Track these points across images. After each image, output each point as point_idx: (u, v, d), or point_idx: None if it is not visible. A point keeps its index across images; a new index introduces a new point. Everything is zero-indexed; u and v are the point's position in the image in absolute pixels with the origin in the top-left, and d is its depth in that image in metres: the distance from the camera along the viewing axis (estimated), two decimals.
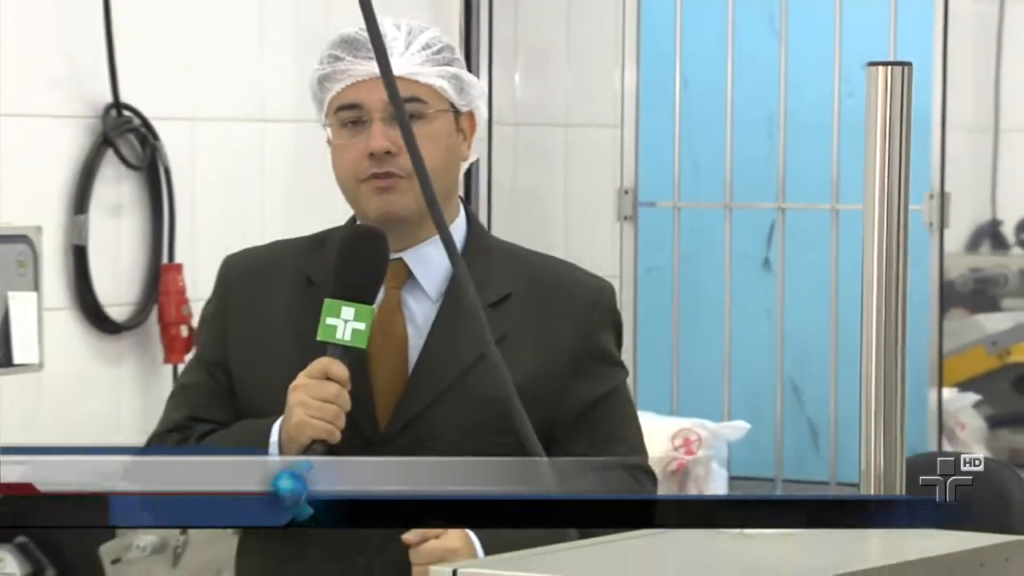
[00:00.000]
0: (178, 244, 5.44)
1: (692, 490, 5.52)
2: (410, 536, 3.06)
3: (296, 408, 3.03)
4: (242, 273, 3.31)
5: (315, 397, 3.02)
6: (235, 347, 3.25)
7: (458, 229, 3.25)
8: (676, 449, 5.55)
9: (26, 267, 4.29)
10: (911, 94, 2.43)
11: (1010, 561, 2.20)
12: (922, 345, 5.61)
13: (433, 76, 3.18)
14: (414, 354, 3.21)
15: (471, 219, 3.30)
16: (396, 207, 3.16)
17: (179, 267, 5.38)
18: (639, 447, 3.24)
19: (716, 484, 5.54)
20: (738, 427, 5.67)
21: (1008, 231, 5.98)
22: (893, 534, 2.36)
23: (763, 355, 6.00)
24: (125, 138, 5.28)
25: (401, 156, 3.11)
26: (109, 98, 5.23)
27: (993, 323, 5.92)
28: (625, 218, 6.15)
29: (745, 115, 5.98)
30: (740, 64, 5.97)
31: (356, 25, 3.08)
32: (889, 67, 2.43)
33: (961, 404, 5.83)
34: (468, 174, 6.13)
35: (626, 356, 6.12)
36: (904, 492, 2.42)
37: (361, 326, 3.03)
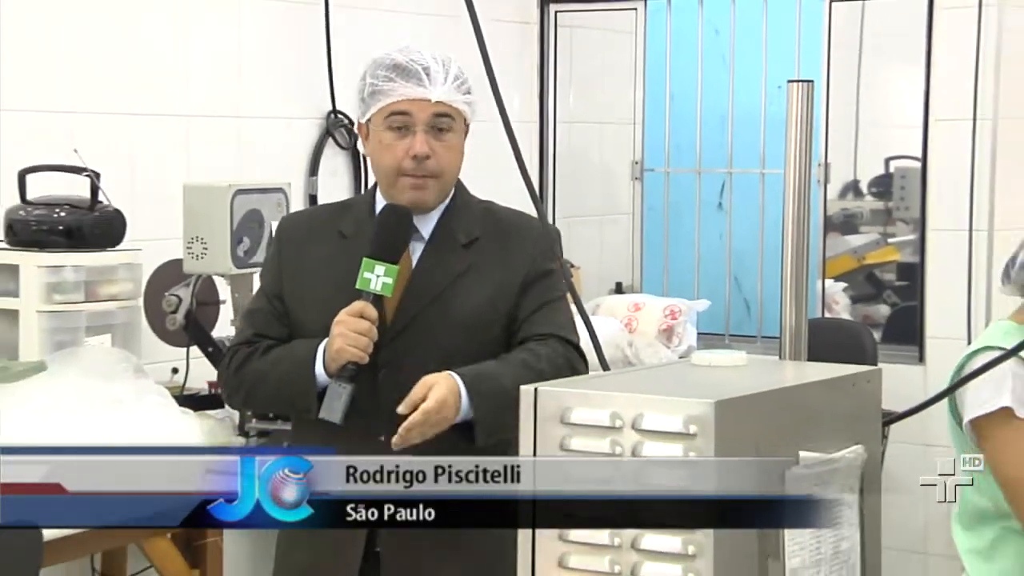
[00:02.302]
0: None
1: (675, 340, 5.48)
2: (404, 407, 2.54)
3: (337, 338, 2.61)
4: (292, 228, 2.83)
5: (352, 330, 2.60)
6: (287, 282, 2.77)
7: (450, 194, 2.78)
8: (666, 316, 5.50)
9: (281, 207, 4.24)
10: (813, 100, 2.37)
11: (870, 382, 2.16)
12: (815, 253, 5.55)
13: (460, 102, 2.72)
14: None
15: (458, 187, 2.82)
16: (423, 202, 2.72)
17: None
18: (574, 331, 2.74)
19: (689, 336, 5.50)
20: (703, 303, 5.63)
21: (863, 186, 5.91)
22: (803, 364, 2.30)
23: (718, 261, 5.93)
24: (339, 131, 5.23)
25: (432, 159, 2.69)
26: (329, 106, 5.18)
27: (855, 241, 5.87)
28: (636, 178, 6.08)
29: (708, 114, 5.87)
30: (705, 83, 5.86)
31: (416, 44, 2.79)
32: (800, 83, 2.36)
33: (836, 289, 5.78)
34: (542, 152, 6.07)
35: (635, 263, 6.11)
36: (807, 343, 2.35)
37: (389, 280, 2.62)
